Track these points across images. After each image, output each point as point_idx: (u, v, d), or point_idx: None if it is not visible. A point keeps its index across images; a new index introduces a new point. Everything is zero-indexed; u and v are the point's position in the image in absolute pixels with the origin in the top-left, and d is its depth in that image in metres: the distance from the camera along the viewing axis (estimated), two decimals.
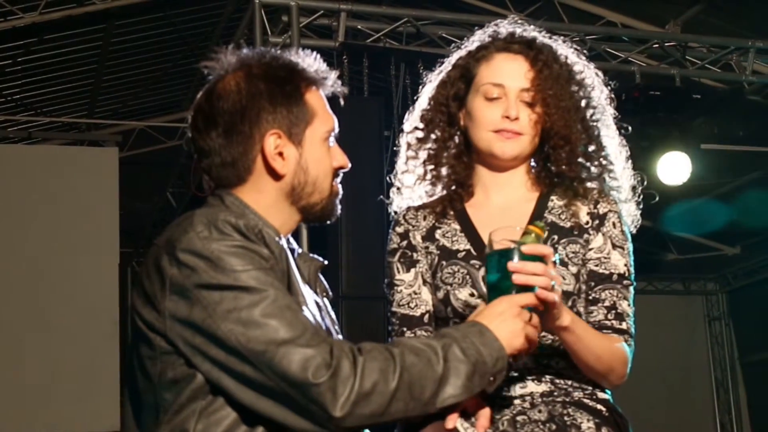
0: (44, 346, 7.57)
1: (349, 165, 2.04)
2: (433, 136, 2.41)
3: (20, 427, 7.51)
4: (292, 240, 2.03)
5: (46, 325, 7.60)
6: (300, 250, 2.04)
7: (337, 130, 2.02)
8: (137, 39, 7.92)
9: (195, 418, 1.77)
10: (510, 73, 2.29)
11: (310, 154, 1.96)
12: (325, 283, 2.10)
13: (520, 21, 2.41)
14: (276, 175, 1.94)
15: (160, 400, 1.81)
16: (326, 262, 2.09)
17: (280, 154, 1.93)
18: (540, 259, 1.96)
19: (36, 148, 8.49)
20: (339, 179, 2.04)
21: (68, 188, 7.92)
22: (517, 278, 1.94)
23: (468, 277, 2.25)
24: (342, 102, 2.06)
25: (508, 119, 2.26)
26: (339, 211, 2.05)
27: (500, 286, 1.96)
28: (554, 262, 2.00)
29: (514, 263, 1.95)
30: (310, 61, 2.00)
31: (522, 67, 2.29)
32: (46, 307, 7.65)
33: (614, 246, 2.27)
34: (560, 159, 2.31)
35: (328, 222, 2.06)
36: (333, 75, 2.02)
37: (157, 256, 1.81)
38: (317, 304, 1.99)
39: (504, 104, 2.27)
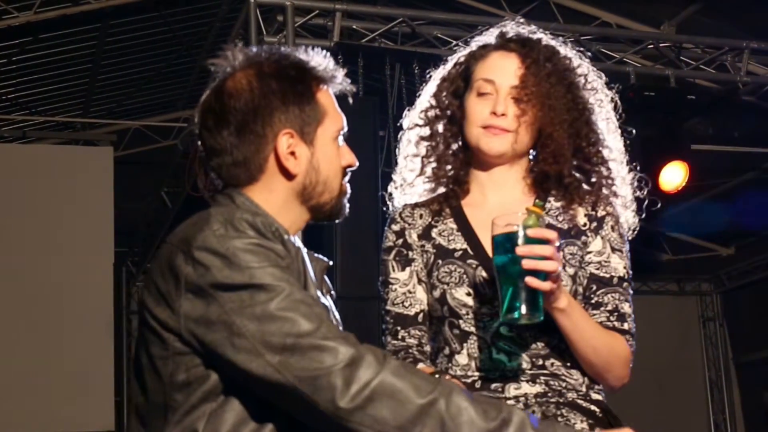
0: (38, 345, 7.56)
1: (357, 163, 2.04)
2: (432, 134, 2.42)
3: (14, 427, 7.50)
4: (298, 239, 2.02)
5: (39, 325, 7.58)
6: (305, 250, 2.04)
7: (346, 128, 2.02)
8: (132, 38, 7.91)
9: (205, 420, 1.75)
10: (502, 70, 2.29)
11: (321, 153, 1.95)
12: (329, 283, 2.09)
13: (522, 21, 2.41)
14: (288, 175, 1.93)
15: (170, 401, 1.78)
16: (331, 263, 2.08)
17: (293, 153, 1.92)
18: (546, 242, 1.98)
19: (31, 148, 8.47)
20: (347, 178, 2.04)
21: (63, 188, 7.90)
22: (526, 263, 1.96)
23: (465, 276, 2.25)
24: (351, 100, 2.06)
25: (495, 115, 2.27)
26: (347, 210, 2.05)
27: (508, 270, 1.99)
28: (558, 247, 2.02)
29: (522, 247, 1.97)
30: (319, 59, 1.99)
31: (514, 64, 2.29)
32: (40, 307, 7.64)
33: (613, 249, 2.28)
34: (547, 157, 2.30)
35: (336, 221, 2.06)
36: (341, 73, 2.02)
37: (170, 254, 1.79)
38: (324, 305, 1.98)
39: (494, 100, 2.28)
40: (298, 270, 1.85)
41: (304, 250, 1.99)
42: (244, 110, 1.91)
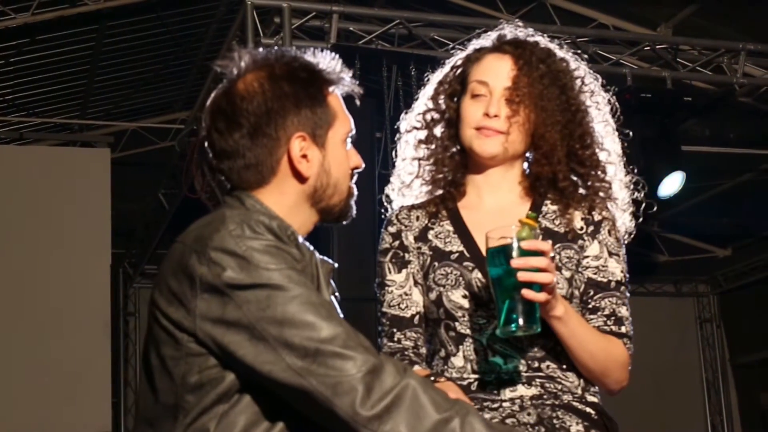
0: (35, 346, 7.54)
1: (363, 165, 2.05)
2: (430, 136, 2.42)
3: (11, 428, 7.49)
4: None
5: (37, 326, 7.57)
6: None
7: (354, 131, 2.02)
8: (130, 40, 7.90)
9: (216, 421, 1.75)
10: (496, 72, 2.30)
11: (332, 156, 1.96)
12: (333, 285, 2.09)
13: (519, 24, 2.41)
14: (300, 178, 1.93)
15: (181, 402, 1.77)
16: (336, 265, 2.08)
17: (305, 156, 1.92)
18: (540, 254, 1.99)
19: (28, 149, 8.46)
20: (354, 180, 2.04)
21: (60, 189, 7.89)
22: (522, 275, 1.97)
23: (461, 278, 2.25)
24: (358, 102, 2.05)
25: (487, 116, 2.27)
26: (354, 212, 2.05)
27: (504, 283, 2.00)
28: (552, 257, 2.02)
29: (517, 260, 1.98)
30: (327, 61, 1.98)
31: (507, 65, 2.29)
32: (37, 308, 7.62)
33: (610, 254, 2.28)
34: (539, 159, 2.31)
35: (344, 222, 2.07)
36: (349, 75, 2.01)
37: (183, 254, 1.78)
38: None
39: (487, 102, 2.28)
40: (312, 274, 1.86)
41: (317, 254, 1.99)
42: (257, 113, 1.90)
